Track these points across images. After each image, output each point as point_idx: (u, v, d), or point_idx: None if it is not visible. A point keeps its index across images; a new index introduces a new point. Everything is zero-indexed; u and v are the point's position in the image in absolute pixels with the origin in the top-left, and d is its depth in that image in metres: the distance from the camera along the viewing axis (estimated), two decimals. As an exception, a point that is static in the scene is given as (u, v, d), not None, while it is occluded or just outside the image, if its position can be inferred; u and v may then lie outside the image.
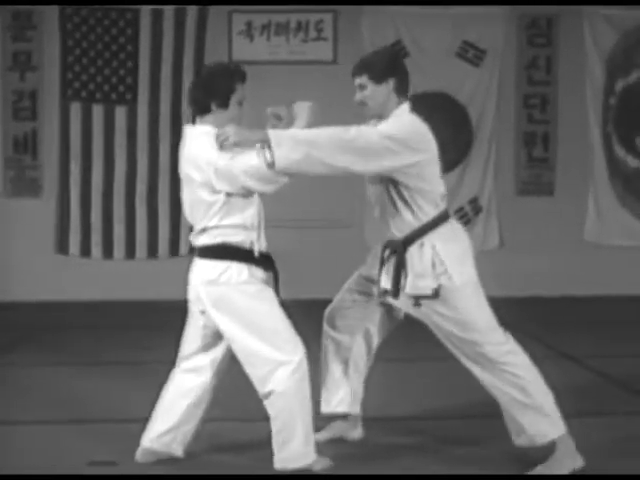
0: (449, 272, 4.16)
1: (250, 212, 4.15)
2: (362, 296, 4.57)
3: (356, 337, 4.62)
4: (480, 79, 10.02)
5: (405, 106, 4.31)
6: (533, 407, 4.18)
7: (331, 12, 9.94)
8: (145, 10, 9.77)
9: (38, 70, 9.86)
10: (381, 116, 4.29)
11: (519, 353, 4.24)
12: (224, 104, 4.14)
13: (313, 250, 9.69)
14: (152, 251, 9.92)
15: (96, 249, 9.91)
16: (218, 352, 4.32)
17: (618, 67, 10.05)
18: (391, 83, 4.27)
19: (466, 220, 9.85)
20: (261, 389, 4.13)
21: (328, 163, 4.02)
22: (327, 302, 4.72)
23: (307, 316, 4.83)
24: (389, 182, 4.22)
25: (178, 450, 4.36)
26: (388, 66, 4.31)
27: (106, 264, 9.91)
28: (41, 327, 8.35)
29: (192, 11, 9.79)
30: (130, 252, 9.91)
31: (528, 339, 4.43)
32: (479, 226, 10.04)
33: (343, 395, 4.65)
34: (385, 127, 4.16)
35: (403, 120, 4.23)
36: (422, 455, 4.51)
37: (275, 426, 4.13)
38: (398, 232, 4.26)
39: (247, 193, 4.10)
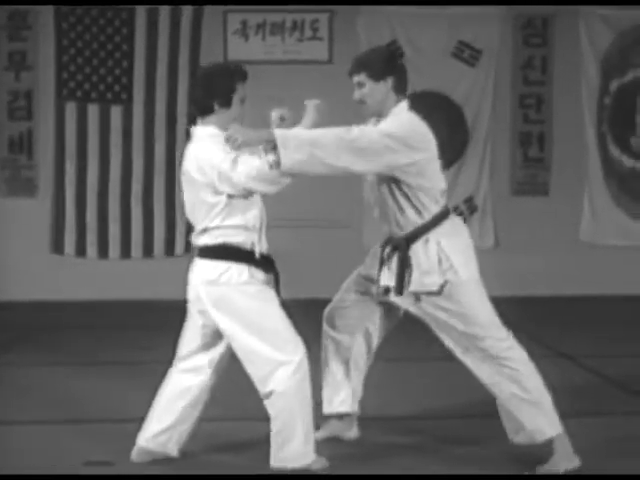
0: (455, 267, 4.18)
1: (252, 213, 4.15)
2: (361, 296, 4.57)
3: (356, 337, 4.62)
4: (476, 79, 10.02)
5: (404, 104, 4.31)
6: (532, 403, 4.19)
7: (327, 12, 9.92)
8: (140, 10, 9.74)
9: (33, 70, 9.82)
10: (380, 114, 4.30)
11: (519, 350, 4.25)
12: (226, 104, 4.14)
13: (312, 250, 9.68)
14: (147, 251, 9.90)
15: (91, 249, 9.88)
16: (217, 352, 4.31)
17: (614, 67, 10.06)
18: (389, 81, 4.27)
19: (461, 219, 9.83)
20: (262, 389, 4.13)
21: (328, 163, 4.01)
22: (326, 302, 4.72)
23: (307, 316, 4.81)
24: (390, 180, 4.22)
25: (174, 450, 4.36)
26: (387, 64, 4.31)
27: (102, 264, 9.88)
28: (37, 327, 8.33)
29: (187, 11, 9.76)
30: (125, 252, 9.89)
31: (525, 339, 4.41)
32: (474, 226, 9.98)
33: (345, 395, 4.65)
34: (385, 126, 4.16)
35: (402, 118, 4.23)
36: (421, 455, 4.51)
37: (275, 426, 4.12)
38: (400, 230, 4.26)
39: (249, 194, 4.09)
